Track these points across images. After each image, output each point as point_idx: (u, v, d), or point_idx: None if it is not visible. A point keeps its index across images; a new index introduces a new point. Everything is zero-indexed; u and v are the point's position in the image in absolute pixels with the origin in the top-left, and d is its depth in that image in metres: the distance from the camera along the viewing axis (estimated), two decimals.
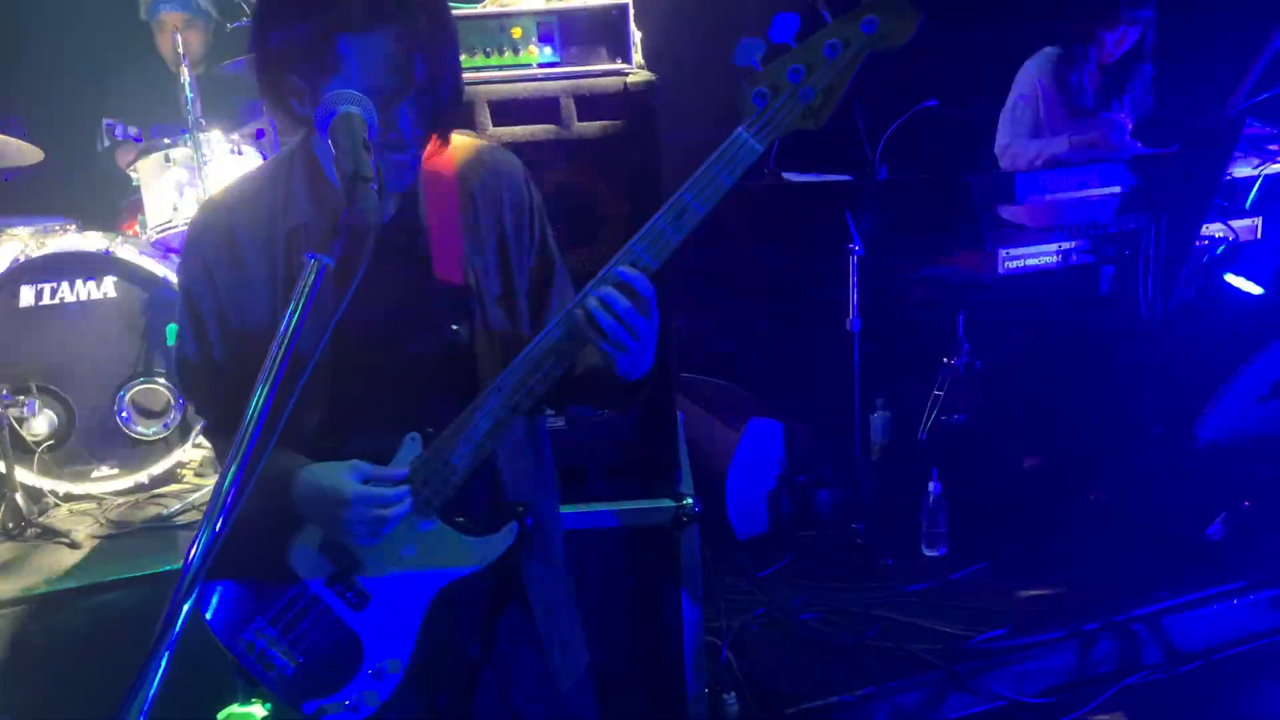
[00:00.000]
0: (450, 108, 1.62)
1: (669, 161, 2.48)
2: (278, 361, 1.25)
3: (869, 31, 1.42)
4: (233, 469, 1.23)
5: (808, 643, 3.38)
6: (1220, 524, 3.78)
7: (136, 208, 4.14)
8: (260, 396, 1.25)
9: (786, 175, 3.70)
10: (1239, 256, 4.18)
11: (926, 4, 1.43)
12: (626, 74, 2.52)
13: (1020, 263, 3.68)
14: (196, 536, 1.69)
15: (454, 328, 1.67)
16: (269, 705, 2.91)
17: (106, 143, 4.51)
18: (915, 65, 2.93)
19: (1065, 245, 3.75)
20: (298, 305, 1.28)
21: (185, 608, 1.18)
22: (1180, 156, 3.52)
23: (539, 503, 1.75)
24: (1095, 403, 4.13)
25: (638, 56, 2.56)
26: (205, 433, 1.87)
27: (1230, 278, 4.13)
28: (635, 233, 1.53)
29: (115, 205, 4.46)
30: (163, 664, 1.16)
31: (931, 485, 3.86)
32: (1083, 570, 3.68)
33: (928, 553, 3.89)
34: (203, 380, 1.77)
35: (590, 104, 2.52)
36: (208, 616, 1.68)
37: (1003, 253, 3.66)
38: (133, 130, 4.33)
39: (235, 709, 2.88)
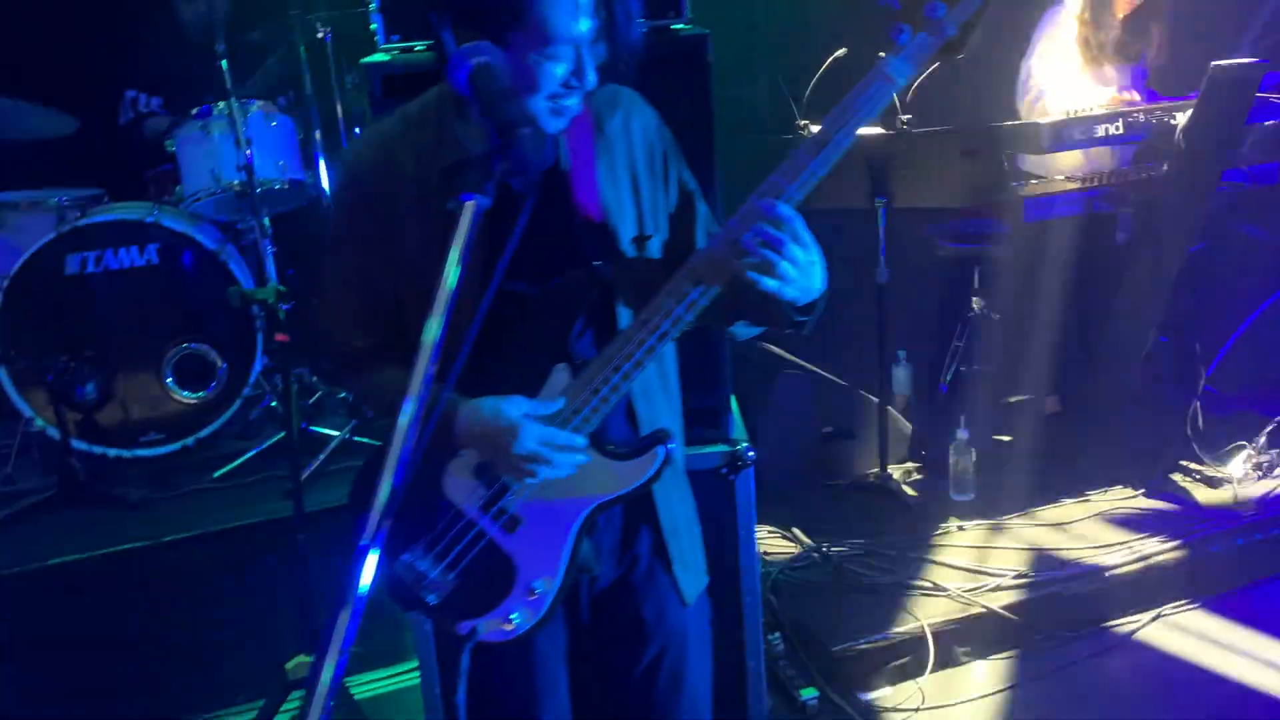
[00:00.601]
0: (627, 57, 1.68)
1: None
2: (443, 301, 1.29)
3: None
4: (411, 405, 1.28)
5: (845, 586, 3.48)
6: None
7: (166, 178, 4.19)
8: (432, 334, 1.29)
9: (814, 127, 3.74)
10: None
11: None
12: (678, 27, 2.57)
13: (1046, 211, 3.76)
14: (362, 479, 1.79)
15: (596, 263, 1.74)
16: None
17: (130, 114, 4.54)
18: None
19: (1088, 193, 3.82)
20: (456, 245, 1.32)
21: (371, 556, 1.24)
22: (1201, 103, 3.59)
23: (674, 430, 1.83)
24: (1111, 348, 4.21)
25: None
26: (340, 369, 1.92)
27: None
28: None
29: (141, 176, 4.50)
30: (357, 609, 1.20)
31: (960, 431, 3.96)
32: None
33: (956, 498, 3.99)
34: (348, 315, 1.83)
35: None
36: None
37: (1029, 201, 3.74)
38: (155, 101, 4.37)
39: (303, 658, 3.00)
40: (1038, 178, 3.96)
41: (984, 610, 3.31)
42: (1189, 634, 3.31)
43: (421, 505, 1.78)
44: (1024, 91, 4.15)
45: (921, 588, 3.43)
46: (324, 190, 3.87)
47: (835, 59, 3.86)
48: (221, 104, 3.83)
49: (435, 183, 1.71)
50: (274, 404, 3.96)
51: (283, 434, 3.82)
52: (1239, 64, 3.52)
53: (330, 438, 3.77)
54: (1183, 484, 3.94)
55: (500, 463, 1.72)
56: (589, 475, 1.73)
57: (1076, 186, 3.84)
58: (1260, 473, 3.90)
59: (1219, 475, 3.91)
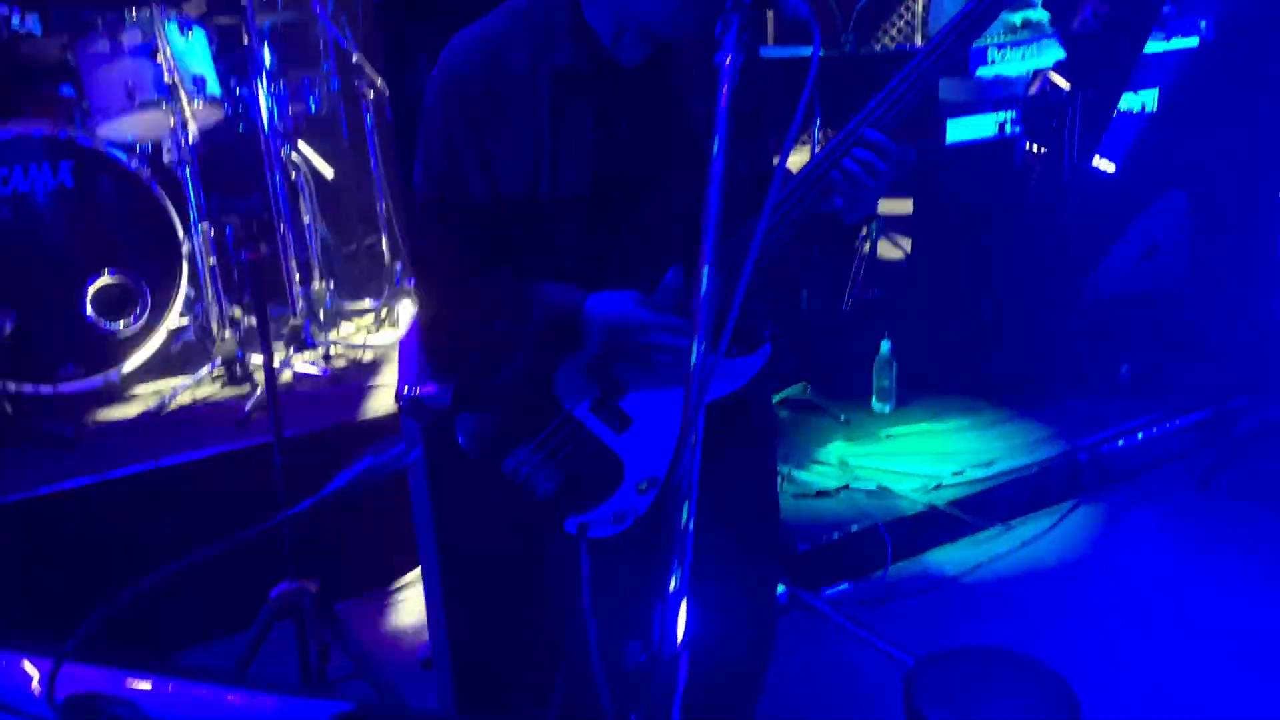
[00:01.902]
0: None
1: None
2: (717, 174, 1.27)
3: None
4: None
5: (799, 493, 3.64)
6: (1126, 370, 4.28)
7: (53, 96, 3.88)
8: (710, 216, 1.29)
9: (763, 51, 3.82)
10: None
11: None
12: None
13: (965, 134, 3.96)
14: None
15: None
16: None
17: (3, 34, 4.15)
18: None
19: (1003, 118, 4.05)
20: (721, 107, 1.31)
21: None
22: (1104, 33, 3.87)
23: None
24: (1014, 266, 4.50)
25: None
26: (449, 275, 1.87)
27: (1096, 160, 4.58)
28: None
29: (19, 102, 4.13)
30: None
31: (883, 344, 4.17)
32: (1024, 411, 4.11)
33: (878, 408, 4.21)
34: (456, 220, 1.79)
35: None
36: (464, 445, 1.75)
37: (949, 124, 3.93)
38: (30, 18, 4.01)
39: (286, 585, 2.92)
40: (960, 102, 4.17)
41: (930, 507, 3.54)
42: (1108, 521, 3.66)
43: (531, 404, 1.79)
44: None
45: (869, 490, 3.63)
46: (254, 107, 3.67)
47: None
48: (134, 13, 3.57)
49: (547, 86, 1.70)
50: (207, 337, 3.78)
51: (213, 365, 3.66)
52: None
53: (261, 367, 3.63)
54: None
55: (623, 355, 1.74)
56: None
57: (991, 109, 4.07)
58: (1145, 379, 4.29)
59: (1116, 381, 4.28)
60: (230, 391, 3.61)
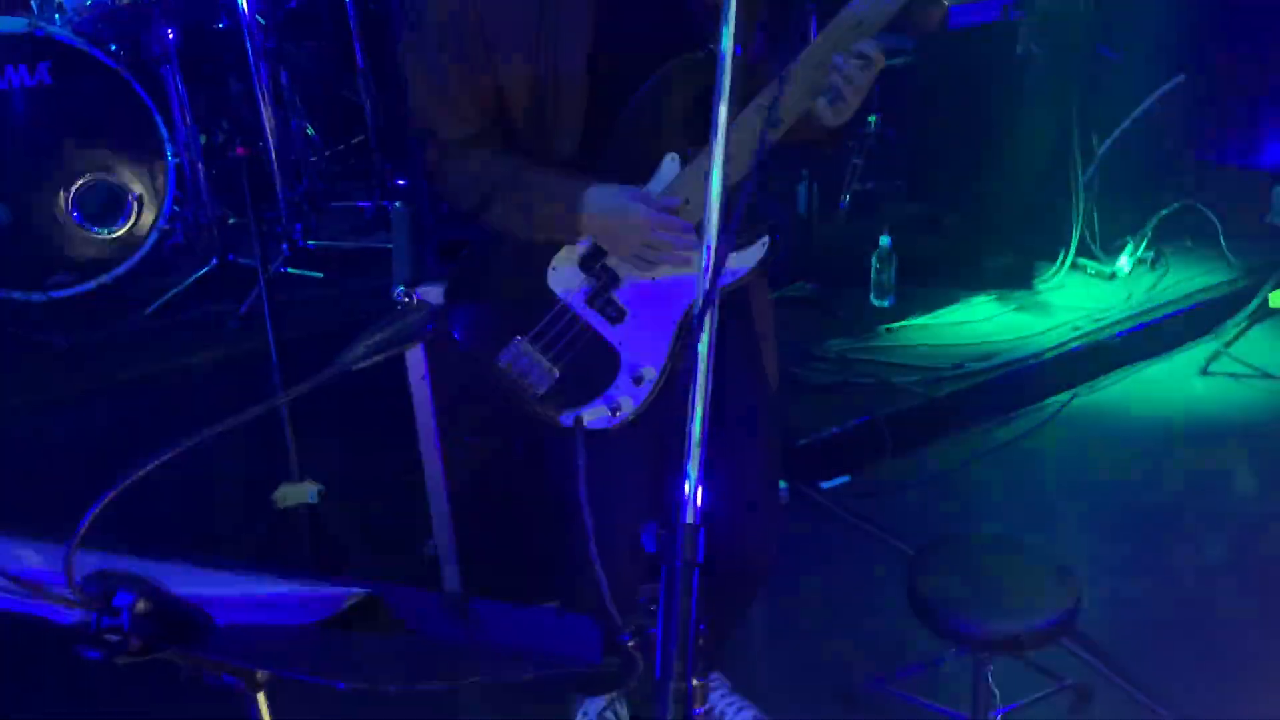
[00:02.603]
0: None
1: None
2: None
3: None
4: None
5: (796, 388, 3.63)
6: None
7: None
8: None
9: None
10: None
11: None
12: None
13: (969, 17, 3.86)
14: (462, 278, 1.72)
15: (710, 46, 1.70)
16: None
17: None
18: None
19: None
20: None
21: None
22: None
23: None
24: (1015, 154, 4.43)
25: None
26: (444, 156, 1.83)
27: None
28: None
29: None
30: None
31: (883, 238, 4.13)
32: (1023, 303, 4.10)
33: (877, 303, 4.19)
34: (451, 95, 1.75)
35: None
36: (458, 337, 1.73)
37: (954, 9, 3.83)
38: None
39: (287, 486, 2.93)
40: None
41: (928, 400, 3.54)
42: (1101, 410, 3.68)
43: (526, 296, 1.77)
44: None
45: (866, 385, 3.63)
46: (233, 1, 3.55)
47: None
48: None
49: None
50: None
51: (206, 268, 3.61)
52: None
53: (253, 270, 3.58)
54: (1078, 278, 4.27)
55: (621, 248, 1.71)
56: (695, 261, 1.74)
57: None
58: (1145, 265, 4.27)
59: (1109, 269, 4.26)
60: (224, 294, 3.57)
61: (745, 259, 1.77)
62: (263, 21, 3.82)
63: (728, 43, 1.21)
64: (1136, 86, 4.46)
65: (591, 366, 1.77)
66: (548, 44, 1.67)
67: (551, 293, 1.77)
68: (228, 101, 3.92)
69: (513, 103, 1.74)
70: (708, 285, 1.08)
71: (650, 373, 1.75)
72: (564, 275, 1.77)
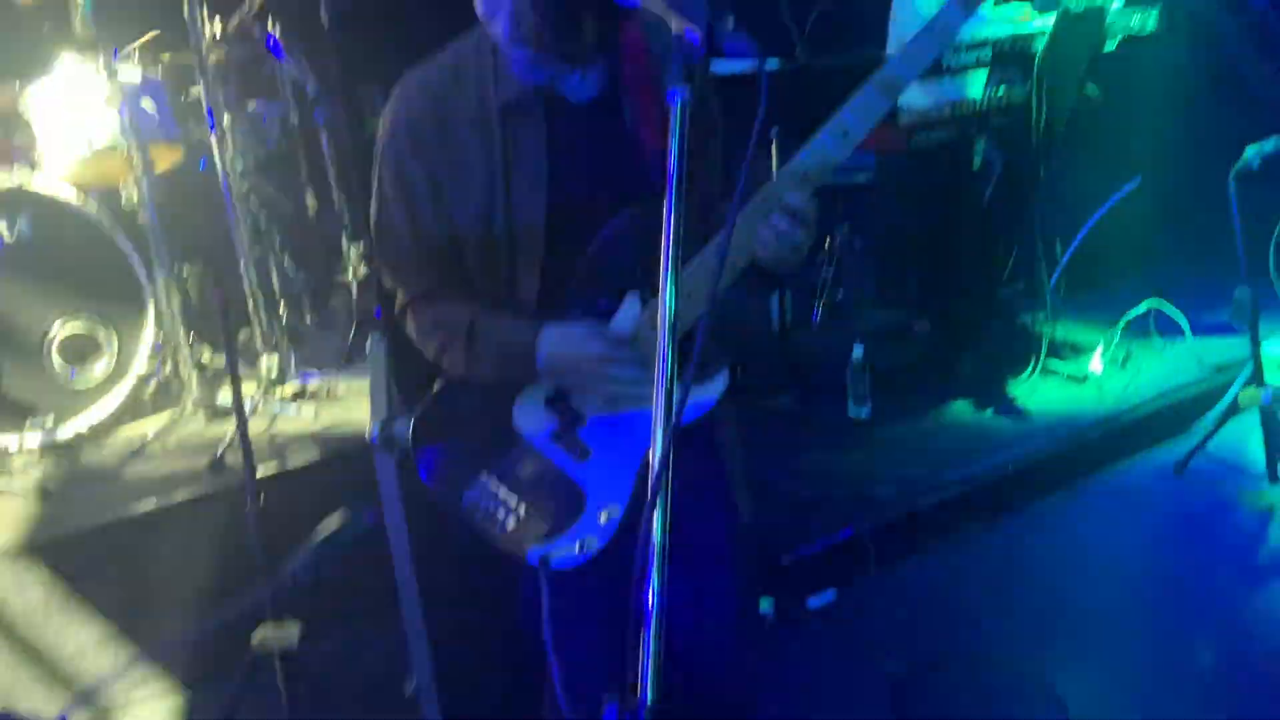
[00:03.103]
0: None
1: None
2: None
3: None
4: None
5: (774, 500, 3.63)
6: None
7: (6, 146, 3.83)
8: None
9: (713, 66, 3.85)
10: None
11: None
12: None
13: (925, 137, 3.99)
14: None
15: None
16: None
17: None
18: None
19: (959, 120, 4.07)
20: (673, 140, 1.31)
21: None
22: (1054, 34, 3.91)
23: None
24: (979, 264, 4.54)
25: None
26: (408, 307, 1.88)
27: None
28: None
29: None
30: None
31: (856, 348, 4.18)
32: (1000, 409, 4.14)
33: (854, 414, 4.22)
34: (411, 253, 1.81)
35: None
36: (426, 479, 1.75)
37: (909, 129, 3.96)
38: None
39: (265, 628, 2.89)
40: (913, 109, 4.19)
41: (909, 511, 3.55)
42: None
43: (491, 436, 1.80)
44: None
45: (847, 497, 3.63)
46: (213, 146, 3.64)
47: None
48: (85, 56, 3.53)
49: (498, 120, 1.73)
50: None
51: (181, 409, 3.63)
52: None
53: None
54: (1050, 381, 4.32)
55: (582, 385, 1.75)
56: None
57: (948, 114, 4.10)
58: (1116, 365, 4.33)
59: (1081, 373, 4.31)
60: (204, 434, 3.58)
61: (707, 392, 1.80)
62: (240, 164, 3.92)
63: (673, 190, 1.25)
64: (1098, 189, 4.61)
65: (557, 504, 1.78)
66: (504, 195, 1.74)
67: (516, 431, 1.79)
68: (207, 244, 3.99)
69: (472, 257, 1.80)
70: (661, 435, 1.11)
71: (615, 510, 1.76)
72: (528, 414, 1.80)
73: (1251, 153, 3.45)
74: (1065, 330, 4.46)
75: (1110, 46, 4.10)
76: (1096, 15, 3.90)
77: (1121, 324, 4.38)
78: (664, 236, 1.26)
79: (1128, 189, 4.59)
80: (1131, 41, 4.10)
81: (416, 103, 1.77)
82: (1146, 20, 4.04)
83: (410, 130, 1.76)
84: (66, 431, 3.50)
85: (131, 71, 3.64)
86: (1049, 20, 3.92)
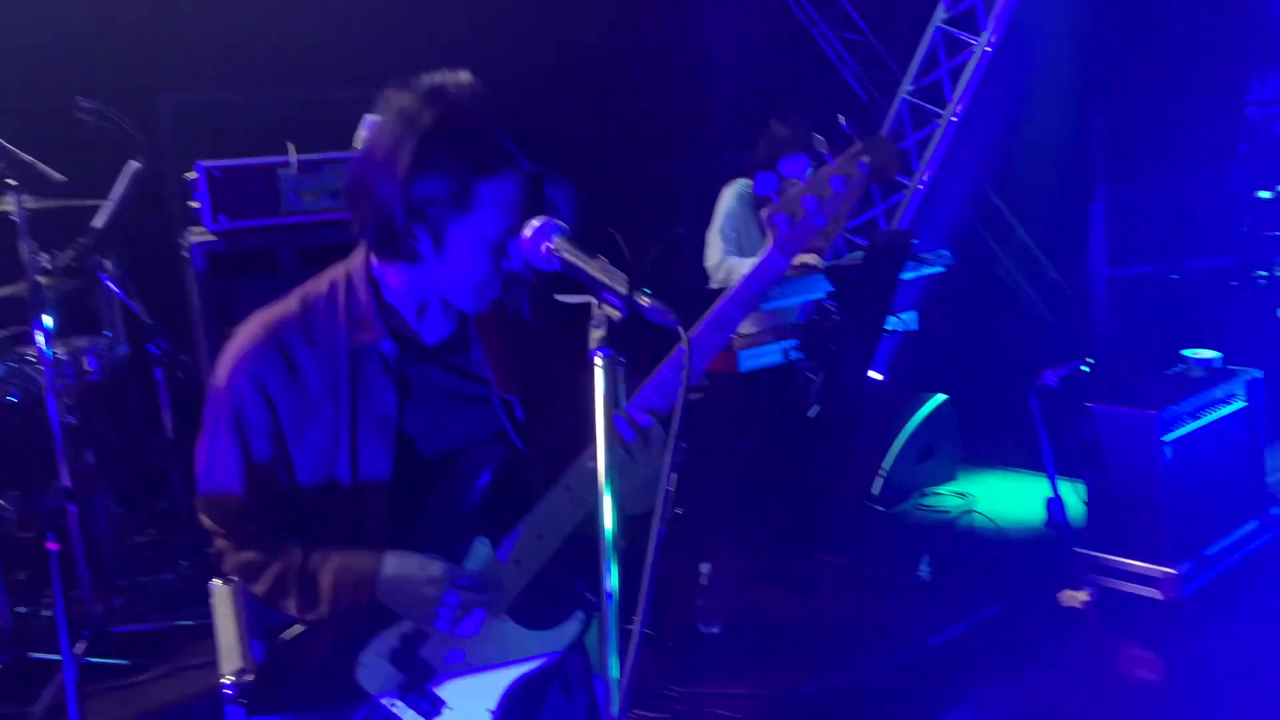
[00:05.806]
0: None
1: None
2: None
3: (865, 170, 1.80)
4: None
5: None
6: (925, 565, 4.55)
7: None
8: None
9: (559, 297, 3.99)
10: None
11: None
12: None
13: (756, 361, 4.25)
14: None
15: (512, 434, 1.80)
16: None
17: None
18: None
19: (784, 343, 4.37)
20: (599, 396, 1.40)
21: None
22: (864, 264, 4.31)
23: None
24: (808, 478, 4.76)
25: None
26: (229, 547, 1.79)
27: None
28: None
29: None
30: None
31: (703, 566, 4.24)
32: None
33: (705, 630, 4.24)
34: (240, 499, 1.74)
35: None
36: None
37: (741, 354, 4.20)
38: None
39: None
40: (742, 334, 4.48)
41: None
42: None
43: (335, 700, 1.73)
44: (711, 258, 4.68)
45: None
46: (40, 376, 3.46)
47: None
48: None
49: (346, 366, 1.73)
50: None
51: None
52: (894, 231, 4.29)
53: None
54: None
55: (418, 614, 1.70)
56: (510, 646, 1.77)
57: (774, 338, 4.39)
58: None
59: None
60: (21, 691, 3.26)
61: (557, 639, 1.81)
62: (69, 401, 3.75)
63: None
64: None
65: None
66: (350, 442, 1.72)
67: (363, 691, 1.73)
68: (27, 484, 3.74)
69: (311, 508, 1.75)
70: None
71: None
72: (374, 672, 1.74)
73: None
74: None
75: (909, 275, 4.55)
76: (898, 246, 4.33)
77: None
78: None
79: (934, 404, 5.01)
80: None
81: (264, 340, 1.73)
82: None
83: (254, 369, 1.71)
84: None
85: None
86: None
